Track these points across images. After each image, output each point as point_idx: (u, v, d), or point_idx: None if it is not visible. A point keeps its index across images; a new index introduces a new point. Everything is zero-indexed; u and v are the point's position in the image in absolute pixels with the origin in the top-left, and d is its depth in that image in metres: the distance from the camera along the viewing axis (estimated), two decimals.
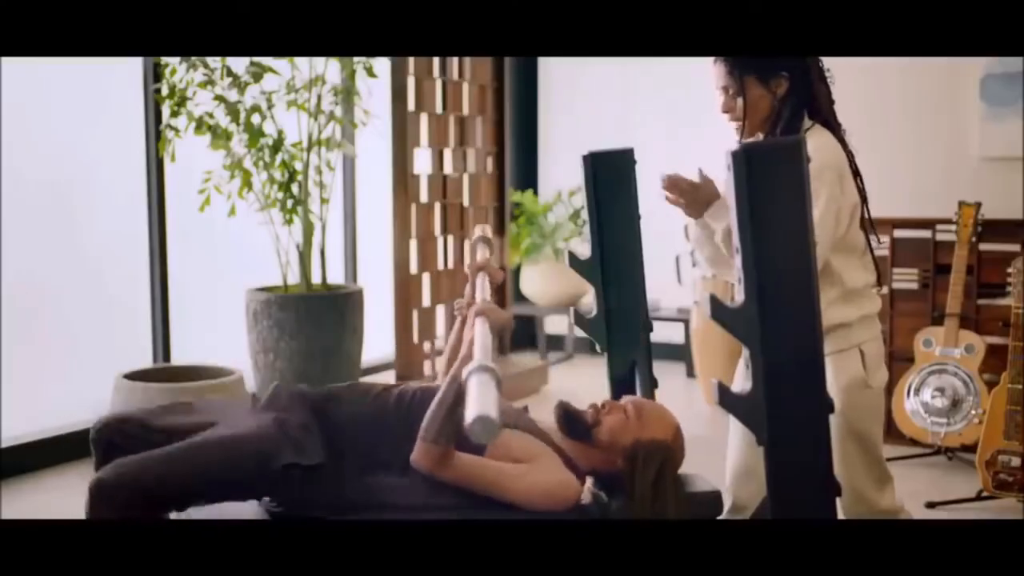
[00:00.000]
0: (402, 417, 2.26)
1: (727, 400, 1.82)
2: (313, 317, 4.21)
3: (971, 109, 4.91)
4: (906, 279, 4.52)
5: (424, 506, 2.15)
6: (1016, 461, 3.67)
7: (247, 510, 2.24)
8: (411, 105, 5.03)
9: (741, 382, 1.87)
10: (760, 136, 2.47)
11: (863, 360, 2.45)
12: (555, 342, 6.64)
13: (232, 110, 4.13)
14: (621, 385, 2.68)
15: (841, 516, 2.41)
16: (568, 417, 2.32)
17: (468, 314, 2.43)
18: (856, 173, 2.45)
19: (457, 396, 2.05)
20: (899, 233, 4.50)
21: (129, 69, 4.41)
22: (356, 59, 4.40)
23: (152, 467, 2.07)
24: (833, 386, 2.37)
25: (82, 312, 4.34)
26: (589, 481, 2.35)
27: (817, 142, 2.36)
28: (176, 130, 4.13)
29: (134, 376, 3.77)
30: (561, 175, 6.55)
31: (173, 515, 2.20)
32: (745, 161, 1.77)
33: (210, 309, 4.83)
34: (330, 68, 4.41)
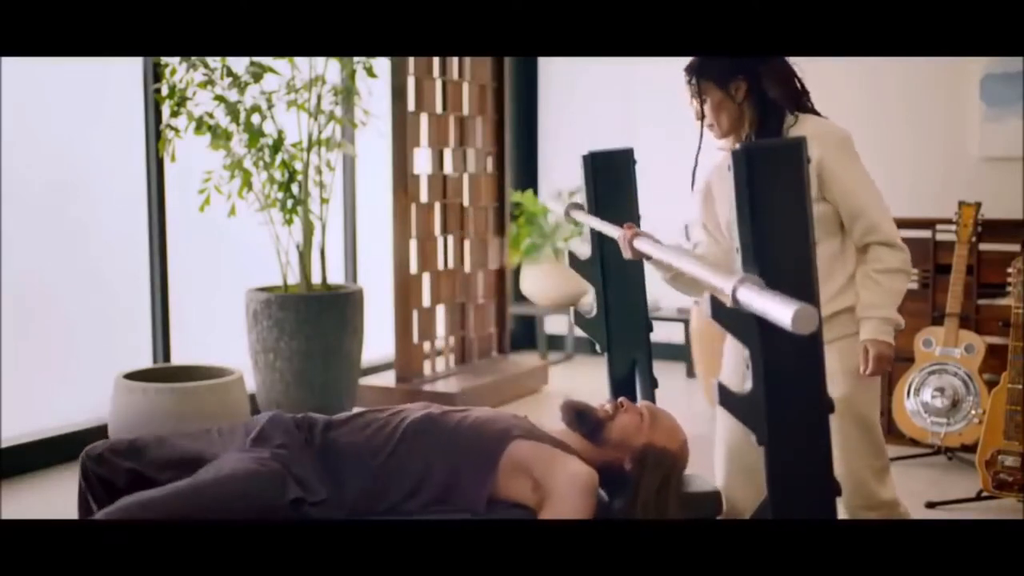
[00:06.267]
0: (402, 444, 2.26)
1: (727, 400, 1.82)
2: (313, 317, 4.21)
3: (971, 109, 4.91)
4: None
5: None
6: (1016, 461, 3.67)
7: None
8: (411, 105, 5.03)
9: (737, 380, 1.86)
10: (743, 137, 2.48)
11: None
12: (555, 342, 6.64)
13: (232, 110, 4.13)
14: (621, 385, 2.68)
15: (839, 506, 2.41)
16: (579, 413, 2.32)
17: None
18: None
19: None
20: (899, 233, 4.48)
21: (129, 69, 4.41)
22: (356, 59, 4.40)
23: (156, 507, 2.05)
24: (839, 371, 2.36)
25: (82, 312, 4.33)
26: None
27: (817, 125, 2.39)
28: (176, 130, 4.13)
29: (134, 376, 3.77)
30: (561, 175, 6.55)
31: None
32: (746, 160, 1.76)
33: (210, 309, 4.83)
34: (330, 68, 4.41)
